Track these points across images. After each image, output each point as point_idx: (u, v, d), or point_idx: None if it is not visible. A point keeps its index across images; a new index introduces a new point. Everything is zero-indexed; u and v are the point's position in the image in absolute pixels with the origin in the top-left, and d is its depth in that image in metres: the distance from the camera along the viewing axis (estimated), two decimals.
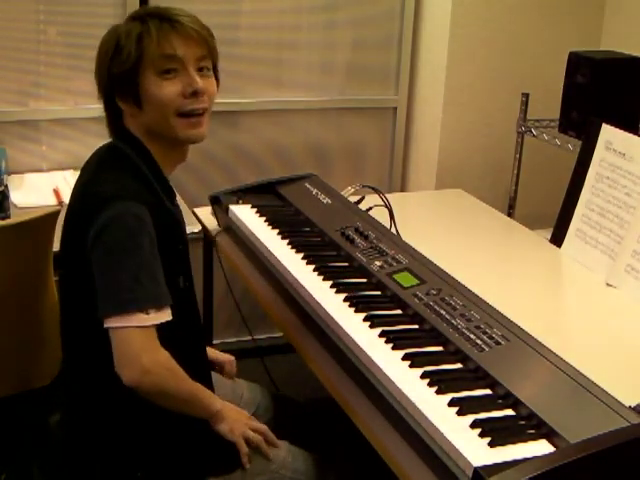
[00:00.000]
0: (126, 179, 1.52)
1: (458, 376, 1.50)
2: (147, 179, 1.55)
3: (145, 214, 1.46)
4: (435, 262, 1.87)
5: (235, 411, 1.65)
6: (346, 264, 1.94)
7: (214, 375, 1.87)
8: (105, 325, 1.44)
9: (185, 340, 1.59)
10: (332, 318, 1.68)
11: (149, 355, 1.45)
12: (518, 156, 2.81)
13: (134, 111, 1.56)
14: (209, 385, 1.67)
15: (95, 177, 1.56)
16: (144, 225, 1.46)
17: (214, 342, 2.71)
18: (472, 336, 1.57)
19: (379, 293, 1.81)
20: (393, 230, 2.13)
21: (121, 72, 1.52)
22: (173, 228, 1.59)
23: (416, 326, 1.67)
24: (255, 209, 2.25)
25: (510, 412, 1.39)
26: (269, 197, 2.36)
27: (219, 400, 1.62)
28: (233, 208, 2.24)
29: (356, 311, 1.71)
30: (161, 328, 1.47)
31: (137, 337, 1.44)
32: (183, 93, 1.54)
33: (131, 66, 1.52)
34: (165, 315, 1.47)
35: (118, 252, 1.44)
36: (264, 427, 1.66)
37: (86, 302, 1.50)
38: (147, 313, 1.43)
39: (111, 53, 1.53)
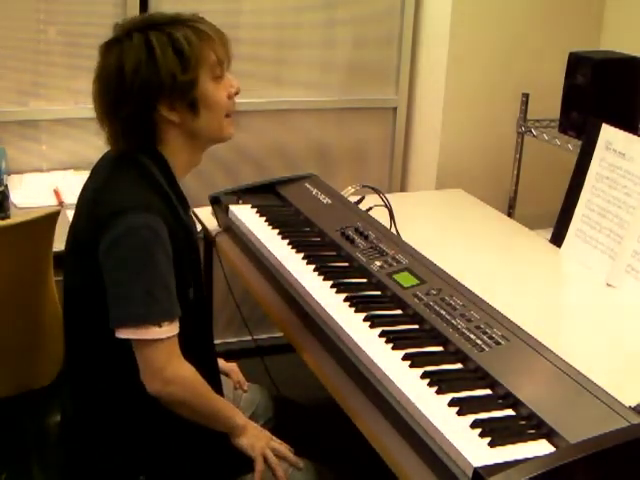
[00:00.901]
0: (141, 188, 1.50)
1: (458, 376, 1.50)
2: (162, 189, 1.53)
3: (160, 226, 1.46)
4: (435, 262, 1.87)
5: (258, 429, 1.66)
6: (346, 264, 1.94)
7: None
8: (118, 335, 1.46)
9: (194, 350, 1.58)
10: (332, 318, 1.68)
11: (173, 367, 1.48)
12: (518, 156, 2.81)
13: (184, 117, 1.53)
14: (220, 395, 1.67)
15: (109, 184, 1.54)
16: (159, 237, 1.45)
17: (214, 342, 2.71)
18: (472, 336, 1.57)
19: (379, 293, 1.81)
20: (393, 230, 2.13)
21: (186, 79, 1.50)
22: (186, 238, 1.58)
23: (416, 326, 1.67)
24: (255, 209, 2.25)
25: (510, 412, 1.39)
26: (269, 197, 2.36)
27: (242, 417, 1.64)
28: (233, 208, 2.24)
29: (356, 311, 1.71)
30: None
31: (161, 349, 1.46)
32: (229, 95, 1.59)
33: (196, 73, 1.51)
34: (176, 328, 1.49)
35: (133, 265, 1.44)
36: (284, 449, 1.66)
37: (91, 307, 1.51)
38: (160, 326, 1.45)
39: (171, 61, 1.48)
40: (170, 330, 1.46)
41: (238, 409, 1.72)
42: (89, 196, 1.57)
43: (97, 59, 1.56)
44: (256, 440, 1.62)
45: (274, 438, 1.67)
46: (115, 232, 1.43)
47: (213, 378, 1.66)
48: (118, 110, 1.53)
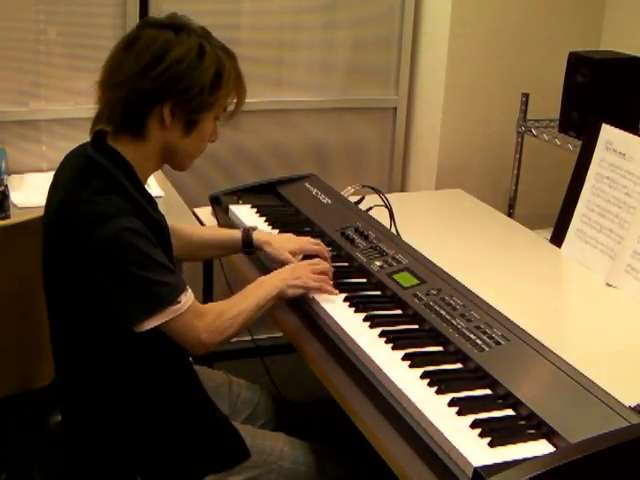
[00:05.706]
0: (108, 195, 1.48)
1: (458, 376, 1.50)
2: (128, 192, 1.51)
3: (135, 223, 1.46)
4: (435, 262, 1.87)
5: (288, 271, 1.74)
6: (346, 264, 1.94)
7: (208, 371, 1.88)
8: (140, 329, 1.47)
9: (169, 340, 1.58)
10: (332, 318, 1.68)
11: (205, 331, 1.54)
12: (518, 156, 2.81)
13: (174, 129, 1.54)
14: (192, 382, 1.67)
15: (74, 196, 1.49)
16: (138, 233, 1.45)
17: None
18: (472, 336, 1.57)
19: (379, 293, 1.81)
20: (393, 230, 2.13)
21: (207, 100, 1.53)
22: (161, 234, 1.57)
23: (416, 326, 1.67)
24: (255, 209, 2.25)
25: (510, 412, 1.39)
26: (269, 197, 2.36)
27: (267, 285, 1.68)
28: (233, 208, 2.24)
29: (356, 311, 1.71)
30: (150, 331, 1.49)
31: (190, 318, 1.51)
32: (209, 139, 1.62)
33: (216, 102, 1.55)
34: (191, 294, 1.53)
35: (127, 270, 1.44)
36: (326, 267, 1.80)
37: (79, 317, 1.52)
38: (179, 302, 1.49)
39: (209, 76, 1.52)
40: (188, 299, 1.51)
41: (239, 411, 1.73)
42: (54, 209, 1.54)
43: (138, 30, 1.54)
44: (294, 280, 1.71)
45: (312, 262, 1.78)
46: (94, 246, 1.43)
47: (185, 365, 1.66)
48: (136, 81, 1.49)
